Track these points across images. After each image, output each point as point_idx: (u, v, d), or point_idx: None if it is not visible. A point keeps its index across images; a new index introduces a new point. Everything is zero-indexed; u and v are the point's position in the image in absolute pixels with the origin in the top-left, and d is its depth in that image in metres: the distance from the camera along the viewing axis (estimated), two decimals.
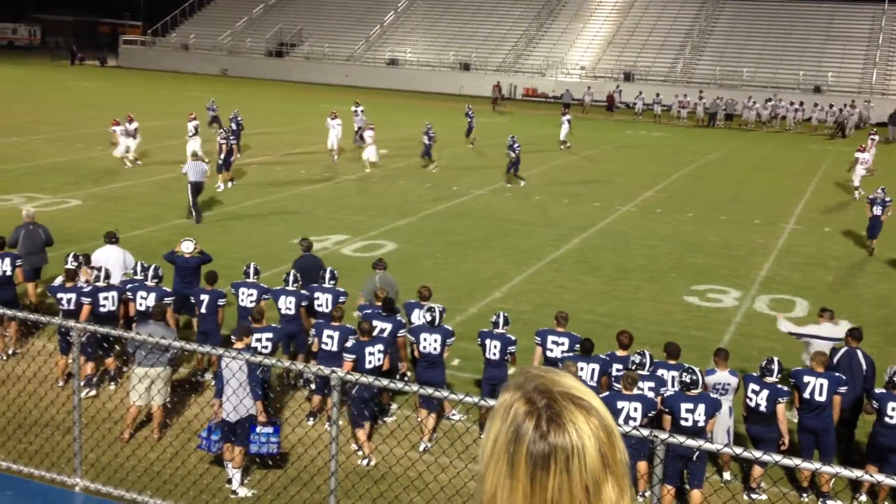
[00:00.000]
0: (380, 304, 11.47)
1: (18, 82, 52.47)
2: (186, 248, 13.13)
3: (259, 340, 10.32)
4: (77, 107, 41.03)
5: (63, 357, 11.40)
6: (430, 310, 10.85)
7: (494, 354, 10.67)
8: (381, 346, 10.25)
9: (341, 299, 11.98)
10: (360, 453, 9.56)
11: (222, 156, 24.36)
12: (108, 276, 12.04)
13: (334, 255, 18.28)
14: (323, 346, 10.70)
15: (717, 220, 23.77)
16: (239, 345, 9.38)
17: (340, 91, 59.17)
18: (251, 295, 12.00)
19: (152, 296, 11.62)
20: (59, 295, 11.63)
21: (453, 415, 11.17)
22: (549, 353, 10.68)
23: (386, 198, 24.53)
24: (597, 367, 10.14)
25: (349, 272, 15.96)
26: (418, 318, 11.29)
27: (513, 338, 10.81)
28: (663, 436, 4.32)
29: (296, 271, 12.36)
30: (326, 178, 27.18)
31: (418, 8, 73.45)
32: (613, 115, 51.45)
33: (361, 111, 34.36)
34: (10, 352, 12.42)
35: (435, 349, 10.64)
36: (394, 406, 11.46)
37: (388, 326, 11.04)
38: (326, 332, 10.74)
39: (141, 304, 11.66)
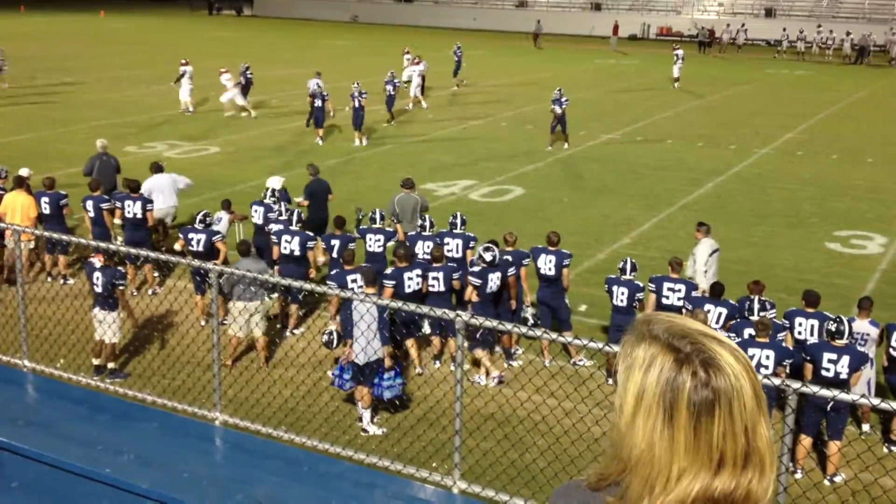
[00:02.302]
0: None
1: (159, 32, 54.42)
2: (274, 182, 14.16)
3: (354, 281, 10.52)
4: (213, 56, 42.29)
5: (200, 297, 11.91)
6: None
7: (622, 301, 10.53)
8: (418, 271, 10.75)
9: (471, 244, 12.02)
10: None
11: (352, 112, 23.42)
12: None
13: (462, 200, 18.33)
14: (430, 288, 10.85)
15: (863, 162, 22.56)
16: (368, 290, 9.56)
17: (469, 35, 58.83)
18: (378, 240, 12.17)
19: (296, 240, 11.98)
20: (190, 235, 12.08)
21: (580, 360, 11.11)
22: (664, 301, 10.44)
23: (513, 143, 24.35)
24: (724, 311, 9.86)
25: (476, 217, 16.00)
26: (544, 263, 11.21)
27: (640, 284, 10.63)
28: (795, 385, 4.15)
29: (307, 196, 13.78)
30: (453, 122, 27.16)
31: None
32: (713, 51, 49.19)
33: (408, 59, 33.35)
34: (149, 291, 13.06)
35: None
36: (519, 349, 11.49)
37: (497, 275, 10.83)
38: (431, 274, 10.84)
39: (285, 248, 11.99)
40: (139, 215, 13.19)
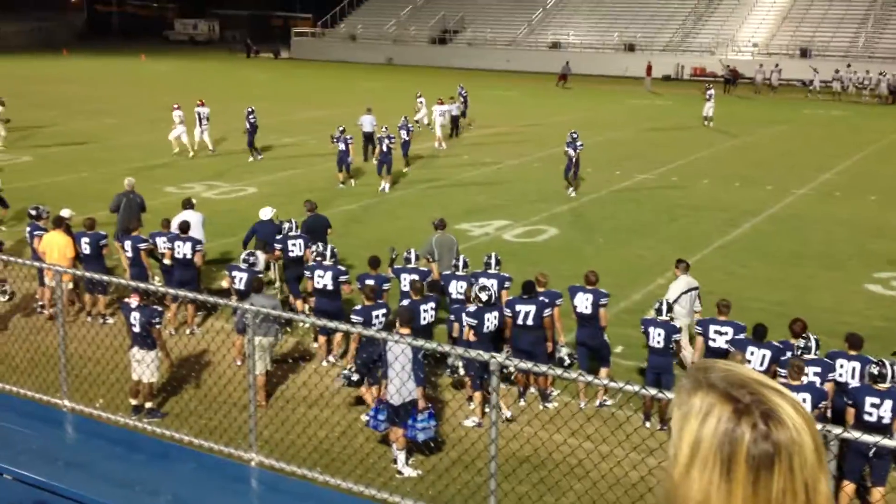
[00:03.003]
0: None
1: (198, 75, 55.42)
2: (264, 214, 14.53)
3: (377, 317, 10.62)
4: (251, 99, 42.93)
5: (239, 336, 11.99)
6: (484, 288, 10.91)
7: (658, 342, 10.44)
8: (433, 304, 11.05)
9: (507, 284, 12.02)
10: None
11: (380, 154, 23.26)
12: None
13: (496, 240, 18.35)
14: (465, 328, 10.88)
15: None
16: (403, 330, 9.57)
17: (502, 76, 59.26)
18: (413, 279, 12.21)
19: (328, 275, 12.08)
20: (234, 273, 12.25)
21: (606, 401, 11.00)
22: (711, 343, 10.33)
23: (547, 183, 24.38)
24: (768, 353, 9.73)
25: (510, 257, 15.98)
26: (581, 301, 11.17)
27: (677, 325, 10.54)
28: (837, 430, 4.08)
29: (305, 232, 13.94)
30: (486, 163, 27.28)
31: None
32: (738, 90, 48.80)
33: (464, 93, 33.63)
34: (188, 331, 13.17)
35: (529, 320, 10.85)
36: (555, 391, 11.41)
37: (532, 309, 10.89)
38: (465, 315, 10.85)
39: (318, 283, 12.20)
40: (188, 255, 13.36)
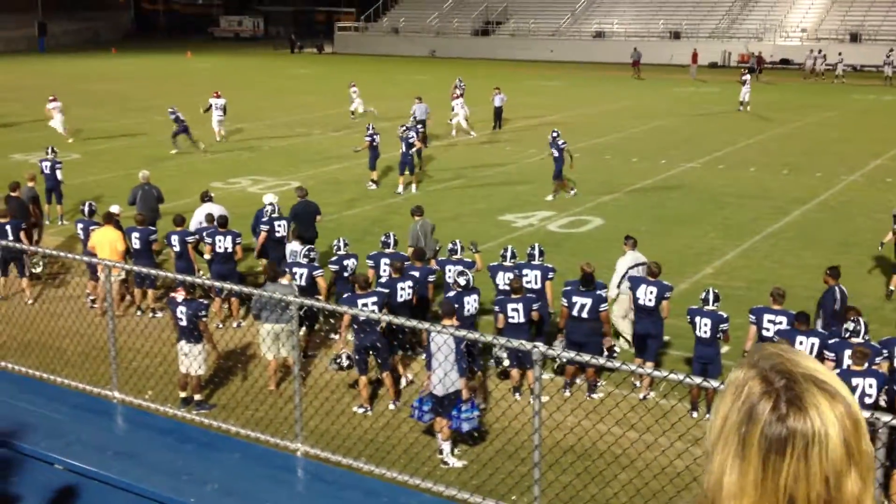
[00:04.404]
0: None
1: (244, 71, 55.95)
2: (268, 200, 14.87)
3: (365, 305, 10.62)
4: (296, 92, 43.25)
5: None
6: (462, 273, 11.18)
7: (705, 332, 10.33)
8: (410, 283, 11.42)
9: (550, 275, 11.99)
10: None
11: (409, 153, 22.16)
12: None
13: (540, 231, 18.28)
14: (510, 319, 10.85)
15: None
16: (447, 321, 9.58)
17: (546, 67, 58.95)
18: (458, 271, 12.19)
19: (304, 271, 12.32)
20: (294, 270, 12.37)
21: (649, 394, 10.90)
22: (764, 332, 10.20)
23: (591, 173, 24.22)
24: (816, 341, 9.58)
25: (554, 248, 15.93)
26: (644, 293, 11.11)
27: (724, 315, 10.42)
28: (886, 418, 4.00)
29: (292, 217, 14.35)
30: (530, 154, 27.17)
31: None
32: (758, 78, 47.54)
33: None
34: (234, 324, 13.33)
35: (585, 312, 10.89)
36: (601, 382, 11.35)
37: (589, 301, 10.87)
38: (510, 305, 10.84)
39: (297, 279, 12.43)
40: (230, 249, 13.53)
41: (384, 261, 12.37)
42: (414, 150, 22.16)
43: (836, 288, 11.30)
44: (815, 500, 1.36)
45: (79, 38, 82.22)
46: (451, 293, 11.21)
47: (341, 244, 12.85)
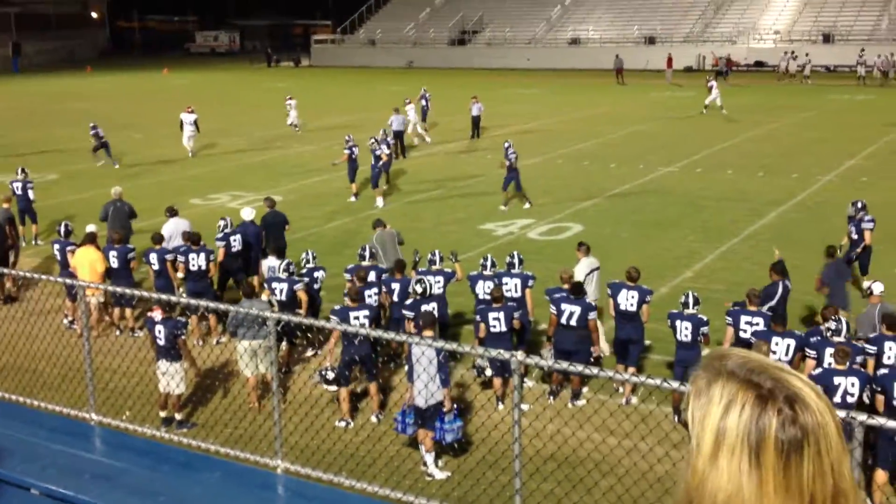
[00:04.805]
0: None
1: (221, 86, 55.81)
2: (246, 214, 14.98)
3: (357, 318, 10.62)
4: (273, 106, 43.17)
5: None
6: (420, 281, 11.35)
7: (686, 336, 10.36)
8: (375, 290, 11.69)
9: (530, 283, 12.02)
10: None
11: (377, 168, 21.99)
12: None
13: (520, 239, 18.29)
14: (491, 328, 10.84)
15: None
16: (427, 332, 9.56)
17: (523, 75, 59.14)
18: (438, 282, 12.18)
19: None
20: (274, 285, 12.30)
21: (630, 399, 10.92)
22: (741, 334, 10.23)
23: (570, 179, 24.30)
24: (792, 342, 9.62)
25: (535, 255, 15.94)
26: (625, 299, 11.12)
27: (704, 318, 10.45)
28: (861, 417, 4.02)
29: (263, 227, 14.83)
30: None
31: None
32: (727, 81, 47.78)
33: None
34: (214, 341, 13.24)
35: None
36: (585, 389, 11.34)
37: (578, 309, 10.90)
38: (491, 314, 10.85)
39: (276, 294, 12.42)
40: (203, 267, 13.45)
41: (427, 278, 12.36)
42: (381, 163, 21.85)
43: (781, 283, 11.58)
44: (830, 492, 1.36)
45: (54, 57, 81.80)
46: (409, 300, 11.27)
47: (309, 256, 12.90)
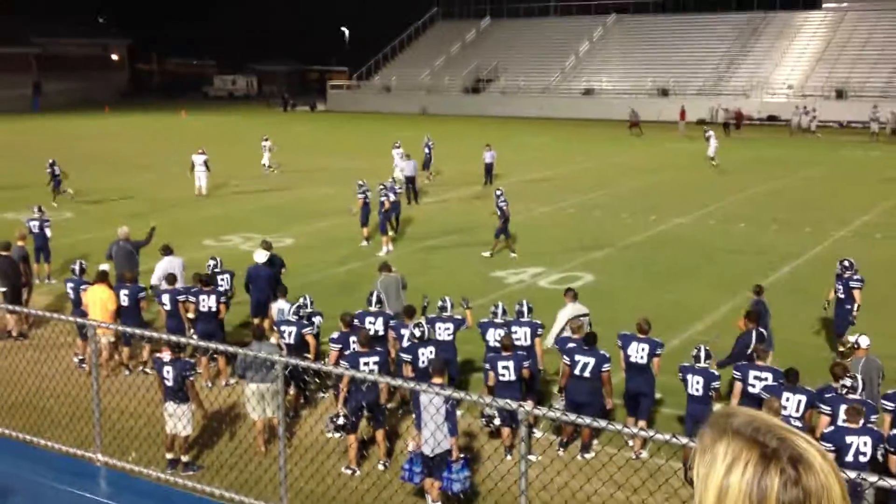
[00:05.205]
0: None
1: (237, 130, 56.33)
2: (259, 257, 14.85)
3: (367, 364, 10.60)
4: (287, 149, 43.52)
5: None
6: (419, 324, 11.35)
7: (697, 390, 10.26)
8: (376, 358, 10.85)
9: (539, 332, 11.97)
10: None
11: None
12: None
13: (531, 287, 18.26)
14: (500, 377, 10.77)
15: None
16: (437, 380, 9.51)
17: (536, 123, 59.54)
18: (448, 328, 12.15)
19: (379, 320, 12.34)
20: (283, 328, 12.26)
21: (640, 454, 10.79)
22: (750, 389, 10.13)
23: (582, 228, 24.32)
24: (803, 398, 9.52)
25: (546, 304, 15.86)
26: (635, 351, 11.05)
27: (716, 372, 10.37)
28: (872, 478, 3.96)
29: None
30: (519, 210, 27.28)
31: (613, 36, 72.95)
32: (740, 132, 48.43)
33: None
34: (223, 383, 13.19)
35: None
36: (595, 441, 11.23)
37: (592, 361, 10.81)
38: (501, 363, 10.79)
39: (285, 337, 12.34)
40: (213, 308, 13.45)
41: (368, 319, 12.35)
42: (385, 209, 21.76)
43: (753, 332, 11.68)
44: None
45: (73, 97, 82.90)
46: (406, 343, 11.26)
47: (307, 301, 12.82)
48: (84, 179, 32.68)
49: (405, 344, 11.49)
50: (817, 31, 64.86)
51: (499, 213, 20.81)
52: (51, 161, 28.05)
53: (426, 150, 33.18)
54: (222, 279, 14.59)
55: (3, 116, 64.78)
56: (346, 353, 11.07)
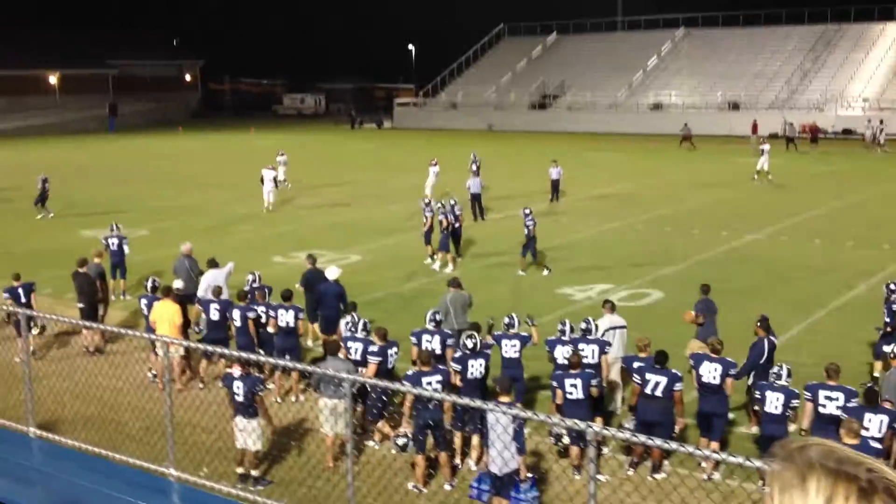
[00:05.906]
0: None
1: (306, 147, 57.15)
2: (331, 274, 14.97)
3: (429, 383, 10.46)
4: (356, 167, 43.97)
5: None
6: (471, 336, 11.37)
7: (776, 408, 10.00)
8: (438, 377, 10.73)
9: (606, 349, 11.84)
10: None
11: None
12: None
13: (598, 304, 18.04)
14: (568, 395, 10.65)
15: None
16: (503, 398, 9.45)
17: (603, 139, 59.12)
18: (514, 345, 12.07)
19: (436, 338, 12.20)
20: (350, 345, 12.28)
21: (713, 475, 10.54)
22: (821, 409, 9.85)
23: (651, 245, 24.00)
24: (885, 418, 9.20)
25: None
26: (708, 371, 10.85)
27: (796, 391, 10.10)
28: None
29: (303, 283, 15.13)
30: (588, 226, 27.06)
31: (682, 50, 72.19)
32: (816, 146, 47.52)
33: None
34: (293, 399, 13.30)
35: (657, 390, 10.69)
36: (666, 462, 11.03)
37: (664, 380, 10.63)
38: (568, 381, 10.66)
39: (352, 354, 12.20)
40: (291, 324, 13.57)
41: (425, 337, 12.29)
42: (444, 227, 21.54)
43: (766, 340, 11.62)
44: None
45: (148, 118, 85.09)
46: (458, 354, 11.36)
47: (357, 319, 12.78)
48: (161, 198, 33.49)
49: (456, 354, 11.52)
50: (894, 43, 63.23)
51: (525, 231, 20.68)
52: (43, 177, 29.40)
53: (473, 167, 32.70)
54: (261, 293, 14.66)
55: (80, 137, 66.83)
56: (409, 372, 11.04)
